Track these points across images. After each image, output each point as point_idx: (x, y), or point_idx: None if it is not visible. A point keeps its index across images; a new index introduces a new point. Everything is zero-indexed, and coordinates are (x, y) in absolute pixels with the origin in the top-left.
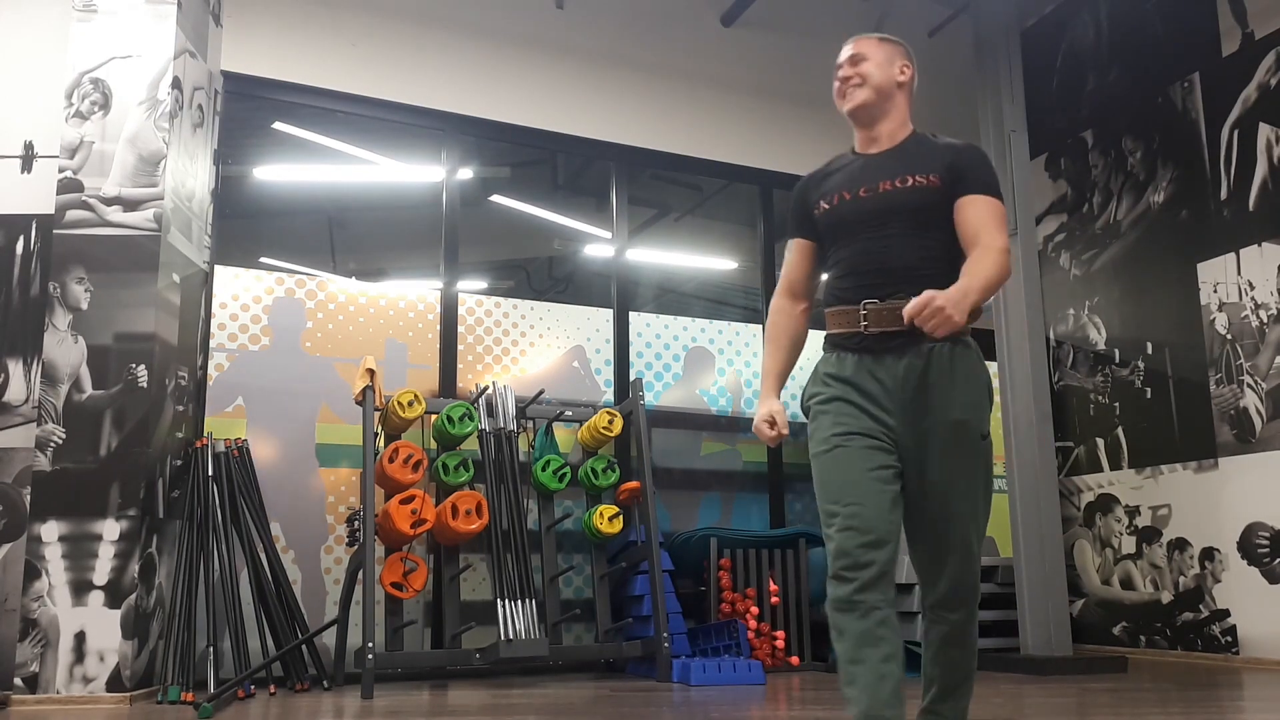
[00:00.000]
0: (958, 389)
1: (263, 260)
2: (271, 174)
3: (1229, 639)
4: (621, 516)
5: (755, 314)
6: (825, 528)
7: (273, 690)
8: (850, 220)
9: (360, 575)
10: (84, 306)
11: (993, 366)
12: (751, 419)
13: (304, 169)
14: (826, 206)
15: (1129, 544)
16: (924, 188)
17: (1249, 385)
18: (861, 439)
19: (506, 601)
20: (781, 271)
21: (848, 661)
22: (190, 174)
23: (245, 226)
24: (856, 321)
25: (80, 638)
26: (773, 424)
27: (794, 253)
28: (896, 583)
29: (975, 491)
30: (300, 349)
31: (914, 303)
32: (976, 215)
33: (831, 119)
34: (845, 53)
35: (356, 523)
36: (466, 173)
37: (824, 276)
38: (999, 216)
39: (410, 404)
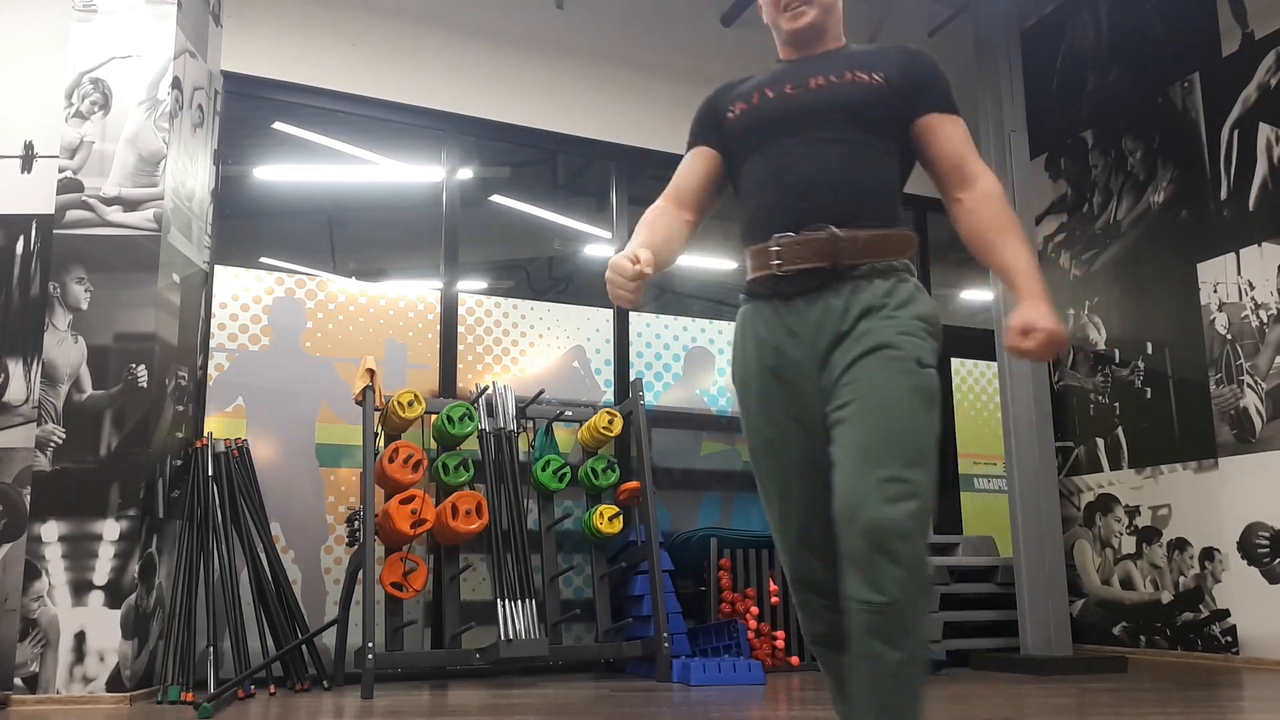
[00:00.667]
0: (886, 321)
1: (263, 260)
2: (271, 174)
3: (1229, 639)
4: (621, 516)
5: None
6: (774, 533)
7: (273, 690)
8: (772, 120)
9: (360, 575)
10: (84, 306)
11: (993, 366)
12: None
13: (304, 169)
14: (744, 106)
15: (1129, 544)
16: (866, 84)
17: (1249, 385)
18: (792, 428)
19: (506, 601)
20: (672, 179)
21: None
22: (190, 174)
23: (245, 226)
24: (768, 261)
25: (80, 638)
26: (635, 261)
27: (689, 160)
28: None
29: (908, 404)
30: (300, 349)
31: (1012, 332)
32: (956, 140)
33: None
34: None
35: (356, 523)
36: (466, 173)
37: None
38: (972, 142)
39: (410, 404)
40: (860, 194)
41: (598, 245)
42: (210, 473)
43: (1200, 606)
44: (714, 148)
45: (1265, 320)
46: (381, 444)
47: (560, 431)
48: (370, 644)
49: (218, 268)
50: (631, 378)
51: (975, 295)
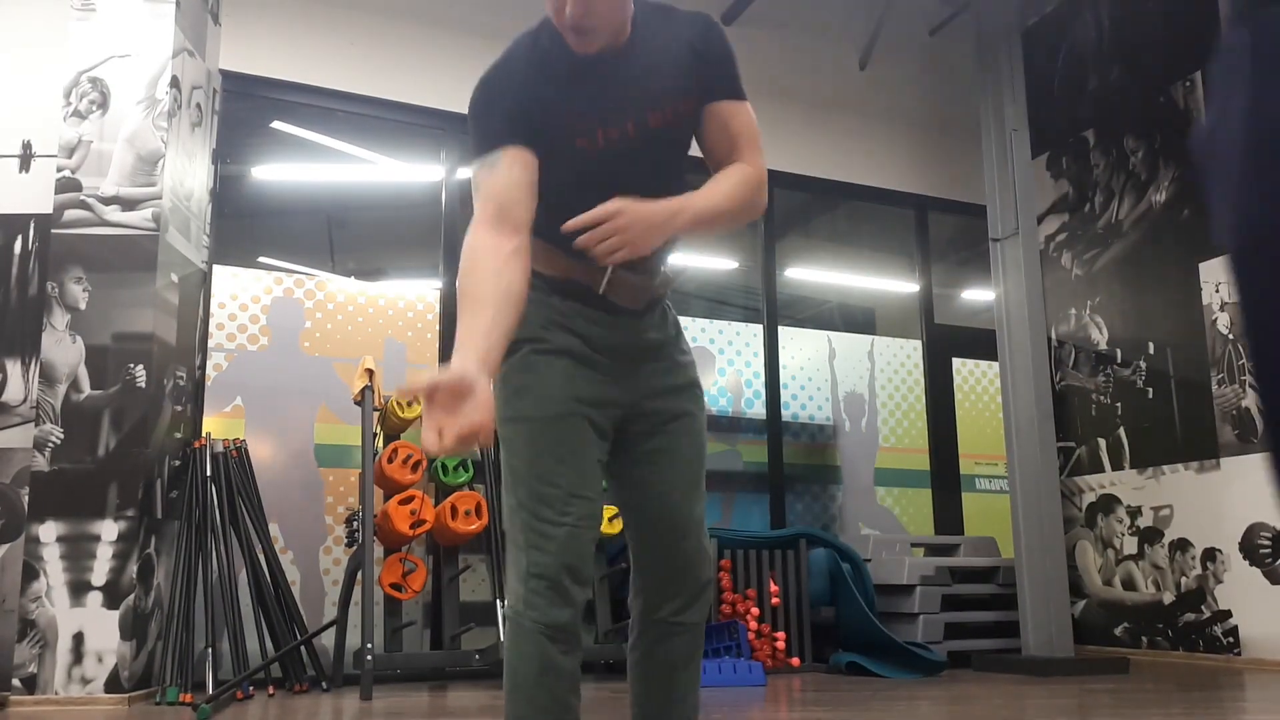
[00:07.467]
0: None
1: (261, 260)
2: (270, 173)
3: (1231, 640)
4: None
5: (755, 314)
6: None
7: (271, 691)
8: (609, 164)
9: (359, 576)
10: (82, 306)
11: (994, 366)
12: (752, 419)
13: (303, 168)
14: (585, 143)
15: (1131, 544)
16: (677, 124)
17: (1251, 385)
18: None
19: (506, 603)
20: (482, 197)
21: (555, 704)
22: (189, 173)
23: (244, 226)
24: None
25: (78, 639)
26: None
27: (504, 167)
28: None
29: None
30: (299, 349)
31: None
32: (743, 127)
33: (838, 118)
34: None
35: (355, 523)
36: (465, 172)
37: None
38: (758, 131)
39: (409, 404)
40: None
41: None
42: (209, 473)
43: (1202, 607)
44: (527, 149)
45: None
46: (380, 444)
47: None
48: (369, 645)
49: (216, 267)
50: None
51: (975, 295)
